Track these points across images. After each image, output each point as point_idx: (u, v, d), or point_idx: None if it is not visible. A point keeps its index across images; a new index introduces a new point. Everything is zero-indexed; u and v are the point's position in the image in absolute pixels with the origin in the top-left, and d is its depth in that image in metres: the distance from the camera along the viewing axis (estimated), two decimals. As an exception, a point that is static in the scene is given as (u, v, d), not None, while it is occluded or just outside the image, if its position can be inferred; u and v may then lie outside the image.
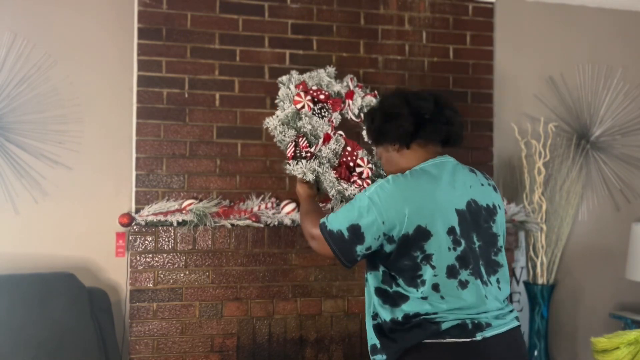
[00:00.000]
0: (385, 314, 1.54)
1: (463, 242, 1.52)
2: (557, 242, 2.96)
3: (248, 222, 2.48)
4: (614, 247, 3.12)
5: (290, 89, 2.35)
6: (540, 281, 2.92)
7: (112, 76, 2.62)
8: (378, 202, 1.51)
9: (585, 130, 3.13)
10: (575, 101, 3.12)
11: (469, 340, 1.46)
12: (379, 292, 1.57)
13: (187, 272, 2.47)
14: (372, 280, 1.61)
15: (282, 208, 2.57)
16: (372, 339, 1.60)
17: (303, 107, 2.29)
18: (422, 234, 1.49)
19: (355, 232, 1.53)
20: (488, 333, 1.47)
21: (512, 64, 3.04)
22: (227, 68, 2.66)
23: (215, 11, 2.66)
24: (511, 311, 1.59)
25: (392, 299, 1.54)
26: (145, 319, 2.43)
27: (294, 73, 2.45)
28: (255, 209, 2.54)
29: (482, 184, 1.66)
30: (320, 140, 2.27)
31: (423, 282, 1.50)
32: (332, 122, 2.35)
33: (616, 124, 3.16)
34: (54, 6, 2.57)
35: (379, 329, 1.57)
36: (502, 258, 1.60)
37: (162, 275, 2.45)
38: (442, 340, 1.47)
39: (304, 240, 2.53)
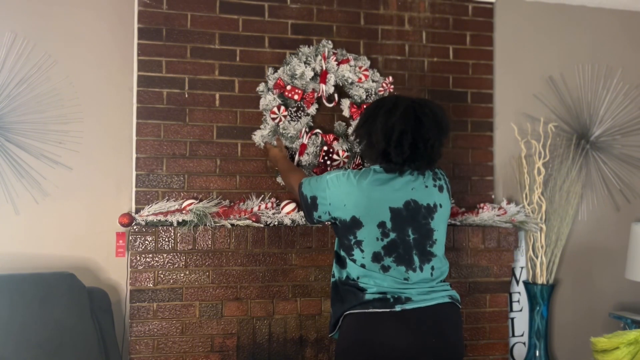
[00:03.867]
0: (337, 273, 1.94)
1: (393, 234, 1.81)
2: (557, 242, 2.96)
3: (248, 222, 2.48)
4: (614, 247, 3.12)
5: (267, 99, 2.61)
6: (540, 281, 2.92)
7: (112, 76, 2.62)
8: (331, 187, 1.89)
9: (585, 130, 3.13)
10: (575, 101, 3.12)
11: (388, 310, 1.75)
12: (336, 254, 1.96)
13: (187, 272, 2.47)
14: (336, 244, 1.99)
15: (282, 208, 2.57)
16: (331, 297, 1.98)
17: (280, 120, 2.59)
18: (355, 223, 1.83)
19: (313, 201, 1.94)
20: (408, 306, 1.76)
21: (512, 64, 3.04)
22: (227, 68, 2.66)
23: (215, 11, 2.66)
24: (445, 291, 1.86)
25: (342, 262, 1.91)
26: (145, 319, 2.43)
27: (270, 75, 2.64)
28: (255, 209, 2.54)
29: (427, 186, 1.88)
30: (297, 154, 2.61)
31: (354, 261, 1.85)
32: (305, 130, 2.64)
33: (616, 124, 3.16)
34: (54, 6, 2.57)
35: (334, 286, 1.94)
36: (437, 249, 1.87)
37: (162, 275, 2.45)
38: (365, 310, 1.77)
39: (304, 240, 2.53)
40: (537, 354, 2.89)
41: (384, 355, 1.72)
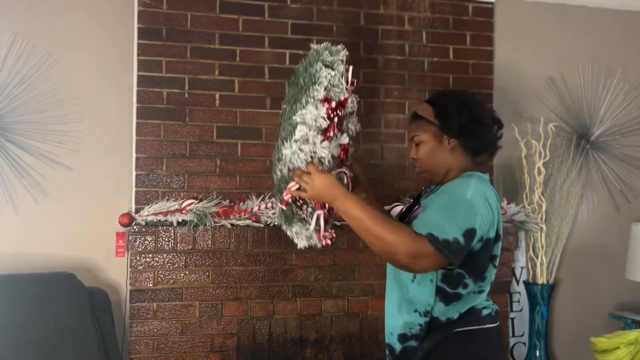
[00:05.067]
0: (439, 312, 1.60)
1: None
2: (557, 242, 2.96)
3: (248, 222, 2.48)
4: (614, 247, 3.12)
5: (318, 109, 1.65)
6: (540, 281, 2.92)
7: (112, 76, 2.62)
8: (480, 207, 1.53)
9: (585, 130, 3.13)
10: (575, 101, 3.12)
11: (496, 324, 1.65)
12: (437, 290, 1.60)
13: (187, 272, 2.47)
14: (424, 277, 1.60)
15: (282, 208, 2.57)
16: (405, 327, 1.63)
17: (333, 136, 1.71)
18: (497, 238, 1.61)
19: (470, 235, 1.50)
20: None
21: (512, 64, 3.04)
22: (227, 68, 2.66)
23: (215, 11, 2.66)
24: None
25: (448, 298, 1.59)
26: (145, 319, 2.43)
27: (332, 57, 1.83)
28: (255, 209, 2.54)
29: None
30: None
31: (483, 279, 1.62)
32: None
33: (616, 124, 3.16)
34: (54, 6, 2.57)
35: (427, 324, 1.62)
36: None
37: (162, 275, 2.45)
38: (481, 327, 1.61)
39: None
40: (537, 354, 2.89)
41: None
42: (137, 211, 2.50)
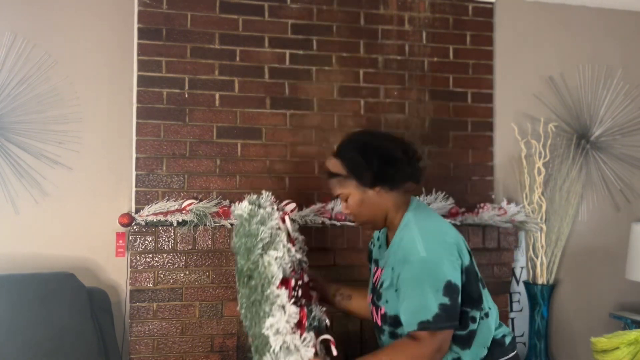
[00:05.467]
0: (470, 356, 1.62)
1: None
2: (557, 242, 2.96)
3: (248, 222, 2.48)
4: (614, 247, 3.12)
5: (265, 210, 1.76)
6: (540, 281, 2.92)
7: (112, 76, 2.62)
8: (439, 239, 1.56)
9: (585, 130, 3.13)
10: (575, 101, 3.12)
11: (515, 352, 1.69)
12: (454, 339, 1.58)
13: (187, 272, 2.47)
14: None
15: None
16: None
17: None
18: (469, 254, 1.62)
19: (450, 289, 1.50)
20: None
21: (512, 64, 3.04)
22: (227, 68, 2.66)
23: (215, 11, 2.66)
24: None
25: (468, 340, 1.61)
26: (145, 319, 2.43)
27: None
28: (255, 209, 2.54)
29: None
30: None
31: (481, 301, 1.62)
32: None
33: (616, 124, 3.15)
34: (54, 6, 2.57)
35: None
36: None
37: (162, 275, 2.45)
38: (507, 357, 1.66)
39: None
40: (537, 354, 2.89)
41: None
42: (137, 211, 2.50)
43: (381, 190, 1.67)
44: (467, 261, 1.60)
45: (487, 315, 1.64)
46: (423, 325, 1.47)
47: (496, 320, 1.70)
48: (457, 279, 1.52)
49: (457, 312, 1.51)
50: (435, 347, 1.49)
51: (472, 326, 1.59)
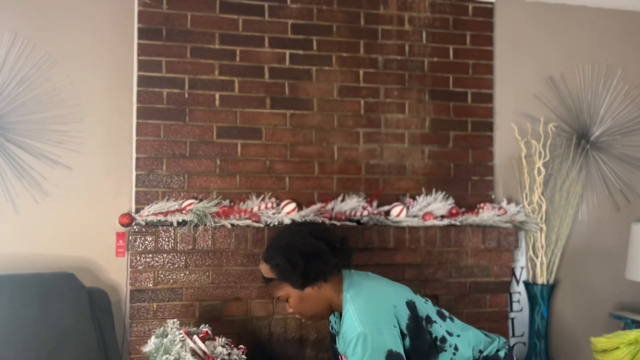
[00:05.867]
0: None
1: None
2: (557, 242, 2.96)
3: (248, 222, 2.48)
4: (614, 247, 3.12)
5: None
6: (540, 281, 2.92)
7: (112, 76, 2.62)
8: (374, 312, 1.64)
9: (585, 130, 3.13)
10: (575, 101, 3.12)
11: None
12: None
13: (187, 272, 2.47)
14: None
15: (282, 208, 2.57)
16: None
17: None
18: (412, 306, 1.72)
19: (393, 358, 1.59)
20: None
21: (512, 64, 3.04)
22: (227, 68, 2.66)
23: (215, 11, 2.66)
24: None
25: None
26: (145, 319, 2.43)
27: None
28: (255, 209, 2.54)
29: None
30: None
31: (433, 348, 1.71)
32: None
33: (616, 124, 3.15)
34: (54, 6, 2.57)
35: None
36: None
37: (162, 275, 2.45)
38: None
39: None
40: (537, 354, 2.89)
41: None
42: (137, 211, 2.51)
43: (315, 286, 1.76)
44: (405, 320, 1.67)
45: (456, 348, 1.73)
46: None
47: (474, 343, 1.78)
48: (397, 346, 1.60)
49: None
50: None
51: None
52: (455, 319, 1.85)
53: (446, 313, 1.84)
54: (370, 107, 2.80)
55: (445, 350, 1.73)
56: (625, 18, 3.22)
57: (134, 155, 2.57)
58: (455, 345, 1.74)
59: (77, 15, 2.59)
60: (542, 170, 2.92)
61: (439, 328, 1.75)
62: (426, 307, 1.79)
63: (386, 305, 1.68)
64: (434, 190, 2.82)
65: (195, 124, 2.62)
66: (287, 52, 2.71)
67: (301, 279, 1.73)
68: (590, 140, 3.13)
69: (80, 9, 2.60)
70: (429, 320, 1.75)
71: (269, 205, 2.57)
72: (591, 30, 3.17)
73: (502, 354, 1.80)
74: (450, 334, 1.76)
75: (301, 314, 1.83)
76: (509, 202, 2.92)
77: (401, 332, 1.66)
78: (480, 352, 1.79)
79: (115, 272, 2.57)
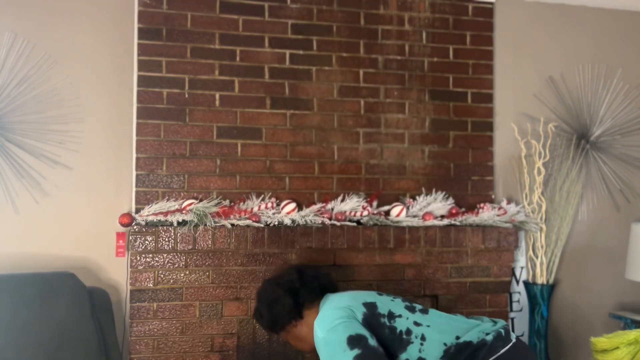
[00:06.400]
0: None
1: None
2: (557, 242, 2.96)
3: (248, 222, 2.48)
4: (614, 247, 3.12)
5: None
6: (540, 281, 2.92)
7: (112, 76, 2.62)
8: (333, 315, 1.79)
9: (585, 130, 3.13)
10: (575, 101, 3.12)
11: (512, 343, 1.84)
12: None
13: (187, 272, 2.47)
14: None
15: (282, 208, 2.57)
16: None
17: None
18: (369, 305, 1.84)
19: (355, 340, 1.72)
20: None
21: (512, 64, 3.04)
22: (227, 68, 2.66)
23: (215, 11, 2.66)
24: None
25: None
26: (145, 319, 2.43)
27: None
28: (255, 209, 2.54)
29: None
30: None
31: (403, 334, 1.82)
32: None
33: (616, 124, 3.16)
34: (54, 6, 2.57)
35: None
36: None
37: (162, 275, 2.45)
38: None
39: (304, 240, 2.53)
40: (537, 353, 2.89)
41: None
42: (137, 211, 2.51)
43: (292, 324, 1.97)
44: (360, 316, 1.80)
45: (423, 338, 1.81)
46: None
47: (449, 329, 1.84)
48: (355, 329, 1.74)
49: (376, 352, 1.72)
50: None
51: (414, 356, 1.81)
52: (432, 310, 1.93)
53: (419, 306, 1.92)
54: (370, 107, 2.80)
55: (412, 342, 1.81)
56: (625, 18, 3.22)
57: (134, 155, 2.57)
58: (422, 335, 1.82)
59: (77, 15, 2.60)
60: (542, 170, 2.92)
61: (405, 321, 1.84)
62: (390, 304, 1.89)
63: (340, 308, 1.82)
64: (434, 190, 2.82)
65: (195, 124, 2.62)
66: (287, 52, 2.72)
67: (272, 324, 1.98)
68: (590, 140, 3.13)
69: (80, 9, 2.60)
70: (391, 315, 1.84)
71: (269, 205, 2.57)
72: (591, 30, 3.17)
73: (490, 337, 1.81)
74: (418, 325, 1.84)
75: (302, 350, 2.04)
76: (509, 202, 2.92)
77: (358, 322, 1.79)
78: (458, 338, 1.83)
79: (115, 272, 2.57)
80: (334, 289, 2.05)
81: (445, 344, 1.80)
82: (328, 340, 1.74)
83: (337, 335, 1.73)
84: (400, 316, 1.85)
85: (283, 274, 2.08)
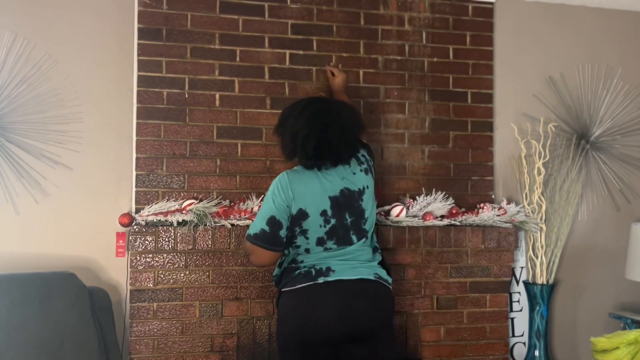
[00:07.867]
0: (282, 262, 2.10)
1: (334, 220, 1.97)
2: (556, 242, 2.96)
3: (248, 222, 2.48)
4: (614, 247, 3.12)
5: None
6: (540, 281, 2.92)
7: (112, 76, 2.62)
8: (280, 190, 1.96)
9: (585, 130, 3.13)
10: (575, 101, 3.12)
11: (311, 283, 1.93)
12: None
13: (187, 272, 2.47)
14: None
15: (282, 208, 2.57)
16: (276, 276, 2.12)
17: None
18: (302, 215, 1.95)
19: (274, 222, 1.94)
20: (331, 278, 1.93)
21: (512, 64, 3.04)
22: (227, 68, 2.66)
23: (215, 11, 2.66)
24: (372, 267, 2.03)
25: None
26: (145, 319, 2.43)
27: None
28: (255, 209, 2.54)
29: (354, 173, 2.05)
30: None
31: (297, 247, 2.01)
32: None
33: (616, 124, 3.16)
34: (54, 6, 2.57)
35: (280, 271, 2.09)
36: (368, 226, 2.05)
37: (162, 275, 2.45)
38: (293, 288, 1.95)
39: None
40: (537, 354, 2.89)
41: (307, 323, 1.92)
42: (138, 211, 2.51)
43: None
44: (293, 212, 1.95)
45: (289, 251, 2.04)
46: (248, 236, 1.97)
47: (305, 255, 1.99)
48: (280, 217, 1.93)
49: (273, 239, 1.93)
50: (249, 252, 2.03)
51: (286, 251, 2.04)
52: (337, 251, 1.99)
53: (329, 245, 1.98)
54: (370, 107, 2.80)
55: (295, 246, 2.02)
56: (625, 18, 3.22)
57: (134, 155, 2.57)
58: (302, 247, 1.99)
59: (77, 16, 2.60)
60: (542, 170, 2.92)
61: (303, 241, 1.98)
62: (313, 230, 1.97)
63: (286, 190, 1.96)
64: (434, 190, 2.82)
65: (195, 124, 2.62)
66: (287, 52, 2.72)
67: (279, 130, 2.11)
68: (590, 140, 3.13)
69: (81, 10, 2.60)
70: (303, 232, 1.97)
71: (269, 205, 2.57)
72: (591, 30, 3.17)
73: (301, 271, 1.97)
74: (299, 247, 2.00)
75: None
76: (509, 202, 2.92)
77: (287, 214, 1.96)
78: (301, 262, 2.00)
79: (115, 272, 2.57)
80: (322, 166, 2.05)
81: (289, 261, 2.05)
82: (266, 198, 1.99)
83: (269, 204, 1.96)
84: (304, 237, 1.97)
85: (317, 116, 2.01)
